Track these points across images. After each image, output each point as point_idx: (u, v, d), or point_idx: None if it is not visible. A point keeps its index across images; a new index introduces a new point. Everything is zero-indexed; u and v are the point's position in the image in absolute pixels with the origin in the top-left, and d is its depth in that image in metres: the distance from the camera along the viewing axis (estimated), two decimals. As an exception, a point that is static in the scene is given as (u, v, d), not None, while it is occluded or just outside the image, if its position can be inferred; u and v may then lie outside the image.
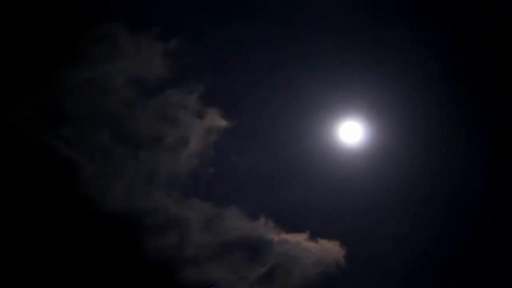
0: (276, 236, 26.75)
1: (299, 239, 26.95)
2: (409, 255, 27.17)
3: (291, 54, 28.36)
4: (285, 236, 26.91)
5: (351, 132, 28.50)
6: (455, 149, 28.01)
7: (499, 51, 28.36)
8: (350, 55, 28.38)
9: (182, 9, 27.92)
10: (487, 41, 28.51)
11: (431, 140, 28.21)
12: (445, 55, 28.70)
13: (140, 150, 26.33)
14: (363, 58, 28.31)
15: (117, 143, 26.04)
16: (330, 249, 26.72)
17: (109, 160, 25.75)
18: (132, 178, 25.91)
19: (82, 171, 25.12)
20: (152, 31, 27.24)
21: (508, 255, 26.96)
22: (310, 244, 26.88)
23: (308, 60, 28.49)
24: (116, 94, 26.40)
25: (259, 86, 28.22)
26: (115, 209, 25.17)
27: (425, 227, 27.52)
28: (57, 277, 23.96)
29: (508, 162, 27.94)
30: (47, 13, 26.17)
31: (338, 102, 28.39)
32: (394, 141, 28.14)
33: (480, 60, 28.49)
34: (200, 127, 27.07)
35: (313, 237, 27.07)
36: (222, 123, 27.38)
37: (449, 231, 27.59)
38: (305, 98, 28.45)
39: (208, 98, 27.40)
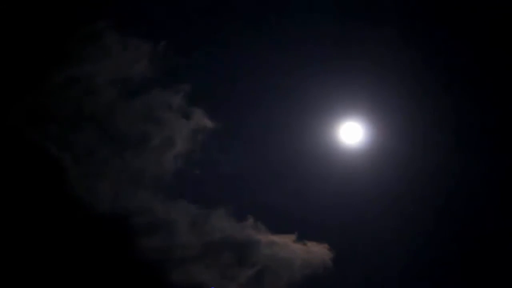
0: (264, 238, 26.54)
1: (287, 240, 26.70)
2: (400, 260, 26.84)
3: (286, 54, 28.08)
4: (273, 237, 26.67)
5: (350, 132, 28.23)
6: (456, 150, 27.70)
7: (499, 51, 28.10)
8: (350, 55, 28.15)
9: (170, 9, 27.75)
10: (487, 41, 28.25)
11: (432, 141, 27.92)
12: (446, 55, 28.54)
13: (126, 150, 26.24)
14: (363, 58, 28.08)
15: (103, 143, 26.02)
16: (318, 252, 26.47)
17: (94, 160, 25.70)
18: (117, 179, 25.83)
19: (68, 171, 25.05)
20: (140, 31, 27.07)
21: (506, 255, 26.77)
22: (298, 246, 26.67)
23: (304, 60, 28.21)
24: (103, 94, 26.32)
25: (250, 86, 27.94)
26: (100, 210, 25.11)
27: (422, 231, 27.25)
28: (41, 278, 24.01)
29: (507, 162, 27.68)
30: (35, 12, 26.10)
31: (334, 102, 28.17)
32: (394, 142, 27.85)
33: (480, 60, 28.27)
34: (187, 127, 26.92)
35: (301, 239, 26.88)
36: (209, 123, 27.24)
37: (448, 235, 27.42)
38: (297, 98, 28.22)
39: (195, 99, 27.25)
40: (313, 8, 28.60)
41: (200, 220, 26.29)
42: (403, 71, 27.99)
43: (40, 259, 24.14)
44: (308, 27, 28.30)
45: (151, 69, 26.99)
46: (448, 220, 27.45)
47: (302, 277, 26.25)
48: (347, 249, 26.83)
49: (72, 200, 24.70)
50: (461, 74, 28.28)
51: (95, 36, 26.46)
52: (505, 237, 26.84)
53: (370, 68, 27.90)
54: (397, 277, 26.72)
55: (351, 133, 28.12)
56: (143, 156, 26.34)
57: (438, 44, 28.51)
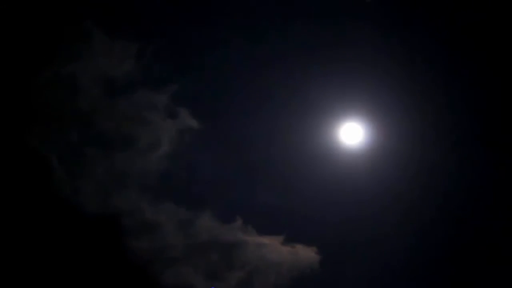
0: (253, 239, 26.32)
1: (276, 242, 26.45)
2: (394, 267, 26.53)
3: (283, 54, 27.87)
4: (262, 239, 26.42)
5: (350, 133, 27.95)
6: (456, 150, 27.48)
7: (499, 51, 27.88)
8: (350, 56, 27.87)
9: (156, 9, 27.55)
10: (488, 41, 27.98)
11: (432, 142, 27.64)
12: (446, 56, 28.32)
13: (112, 151, 26.17)
14: (363, 59, 27.83)
15: (89, 143, 25.98)
16: (307, 255, 26.17)
17: (80, 161, 25.62)
18: (103, 180, 25.82)
19: (53, 171, 25.06)
20: (127, 31, 26.87)
21: (505, 255, 26.57)
22: (287, 249, 26.41)
23: (303, 61, 27.93)
24: (90, 94, 26.27)
25: (240, 87, 27.81)
26: (86, 211, 25.07)
27: (422, 233, 26.91)
28: (27, 278, 23.98)
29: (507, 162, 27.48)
30: (22, 11, 26.13)
31: (334, 103, 27.92)
32: (394, 143, 27.54)
33: (480, 61, 28.00)
34: (174, 128, 26.77)
35: (289, 241, 26.59)
36: (197, 124, 27.08)
37: (447, 237, 27.06)
38: (293, 98, 27.92)
39: (182, 99, 27.11)
40: (312, 9, 28.45)
41: (188, 221, 26.14)
42: (403, 72, 27.86)
43: (25, 260, 24.15)
44: (307, 28, 28.09)
45: (138, 69, 26.94)
46: (448, 221, 27.13)
47: (290, 280, 26.02)
48: (336, 253, 26.62)
49: (57, 200, 24.69)
50: (461, 75, 28.08)
51: (82, 36, 26.43)
52: (505, 237, 26.66)
53: (370, 69, 27.72)
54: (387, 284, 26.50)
55: (351, 133, 27.89)
56: (129, 157, 26.28)
57: (438, 44, 28.33)
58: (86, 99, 26.20)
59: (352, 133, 27.75)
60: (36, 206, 24.69)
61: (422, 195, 27.05)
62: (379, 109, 27.57)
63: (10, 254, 24.05)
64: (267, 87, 27.62)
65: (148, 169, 26.24)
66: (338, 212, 26.71)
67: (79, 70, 26.17)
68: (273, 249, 26.27)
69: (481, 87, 27.85)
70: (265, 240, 26.40)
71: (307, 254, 26.19)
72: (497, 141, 27.41)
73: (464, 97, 27.72)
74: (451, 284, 26.37)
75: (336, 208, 26.75)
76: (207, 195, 26.68)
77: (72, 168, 25.53)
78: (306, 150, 27.34)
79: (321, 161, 27.29)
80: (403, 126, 27.56)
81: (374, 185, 26.95)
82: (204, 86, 27.44)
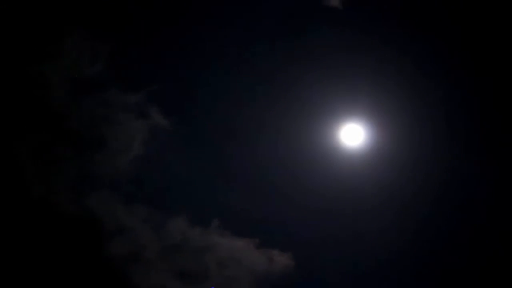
0: (228, 242, 26.11)
1: (251, 246, 26.24)
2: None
3: (276, 53, 27.90)
4: (237, 243, 26.19)
5: (351, 134, 27.85)
6: (457, 152, 27.57)
7: (500, 52, 27.91)
8: (351, 58, 27.99)
9: (129, 9, 27.22)
10: (488, 42, 28.02)
11: (433, 143, 27.72)
12: (447, 58, 28.41)
13: (84, 152, 25.83)
14: (364, 60, 27.94)
15: (59, 144, 25.56)
16: (281, 260, 26.02)
17: (51, 161, 25.24)
18: (74, 181, 25.44)
19: (23, 171, 24.76)
20: (99, 31, 26.62)
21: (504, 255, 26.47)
22: (262, 253, 26.23)
23: (296, 59, 27.95)
24: (62, 93, 25.93)
25: (224, 87, 27.72)
26: (55, 212, 24.68)
27: (417, 237, 26.85)
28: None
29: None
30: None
31: (336, 104, 27.89)
32: (394, 144, 27.56)
33: (481, 62, 27.99)
34: (147, 128, 26.54)
35: (264, 246, 26.33)
36: (171, 125, 26.85)
37: (447, 241, 27.10)
38: (285, 98, 27.94)
39: (155, 99, 26.95)
40: (312, 11, 28.56)
41: (161, 224, 25.89)
42: (404, 73, 27.98)
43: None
44: (308, 30, 28.12)
45: (111, 68, 26.70)
46: (448, 222, 27.20)
47: (264, 283, 25.87)
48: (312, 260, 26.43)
49: (27, 201, 24.31)
50: (461, 76, 28.15)
51: (54, 35, 26.12)
52: (505, 237, 26.58)
53: (371, 71, 27.86)
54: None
55: (352, 135, 27.83)
56: (101, 158, 25.97)
57: (439, 46, 28.41)
58: (58, 99, 25.82)
59: (352, 134, 27.75)
60: (6, 206, 24.30)
61: (421, 195, 27.10)
62: (379, 110, 27.67)
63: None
64: (252, 88, 27.65)
65: (120, 170, 25.95)
66: (331, 215, 26.69)
67: (52, 69, 25.86)
68: (247, 253, 26.03)
69: (481, 88, 27.88)
70: (240, 243, 26.13)
71: (282, 259, 26.01)
72: (497, 141, 27.42)
73: (464, 98, 27.82)
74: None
75: (330, 212, 26.68)
76: (181, 197, 26.51)
77: (43, 169, 25.18)
78: (302, 152, 27.30)
79: (319, 163, 27.22)
80: (403, 127, 27.71)
81: (373, 186, 26.90)
82: (178, 86, 27.30)
